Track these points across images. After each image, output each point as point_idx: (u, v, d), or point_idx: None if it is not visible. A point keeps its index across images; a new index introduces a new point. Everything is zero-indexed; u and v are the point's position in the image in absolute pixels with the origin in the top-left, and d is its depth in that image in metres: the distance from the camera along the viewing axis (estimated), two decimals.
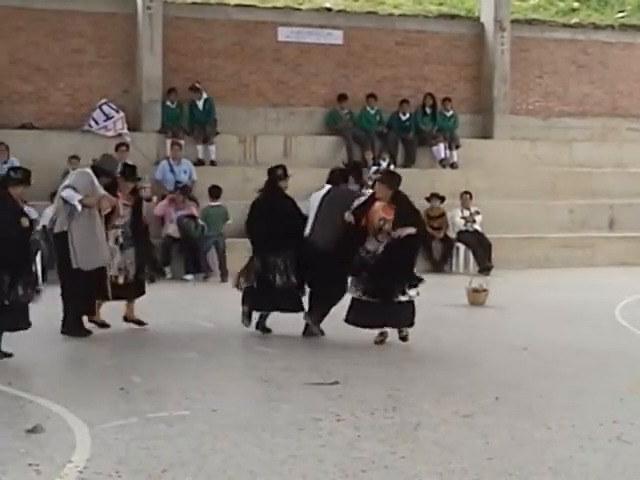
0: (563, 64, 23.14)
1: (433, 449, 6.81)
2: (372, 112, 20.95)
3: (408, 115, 21.11)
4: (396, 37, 21.94)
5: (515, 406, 8.13)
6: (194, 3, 20.84)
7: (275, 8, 21.57)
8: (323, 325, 11.17)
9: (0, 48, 19.18)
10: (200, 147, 19.57)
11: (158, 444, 6.81)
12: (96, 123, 19.20)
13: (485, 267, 17.74)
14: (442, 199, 18.46)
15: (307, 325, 11.23)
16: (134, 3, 19.85)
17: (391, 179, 11.00)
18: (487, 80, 22.26)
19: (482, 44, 22.36)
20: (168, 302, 13.64)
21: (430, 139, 21.04)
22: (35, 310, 9.98)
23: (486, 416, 7.71)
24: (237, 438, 6.99)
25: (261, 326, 11.45)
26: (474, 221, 18.59)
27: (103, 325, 11.45)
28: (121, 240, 11.39)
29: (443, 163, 20.98)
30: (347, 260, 10.62)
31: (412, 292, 10.57)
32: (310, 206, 11.46)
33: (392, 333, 10.78)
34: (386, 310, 10.51)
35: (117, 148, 17.76)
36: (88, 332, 11.02)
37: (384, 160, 19.73)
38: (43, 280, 12.78)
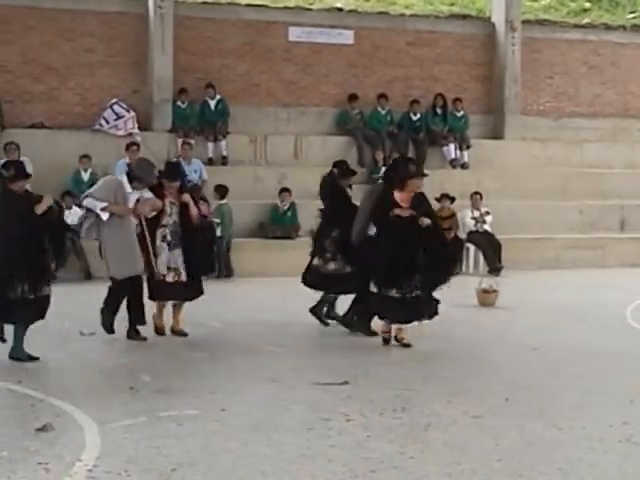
0: (574, 65, 23.10)
1: (443, 450, 6.80)
2: (383, 112, 20.94)
3: (419, 115, 21.09)
4: (407, 37, 21.92)
5: (525, 407, 8.11)
6: (205, 3, 20.86)
7: (286, 8, 21.59)
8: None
9: (11, 48, 19.22)
10: (211, 145, 19.58)
11: (168, 443, 6.81)
12: (107, 122, 19.23)
13: (495, 268, 17.72)
14: (452, 199, 18.42)
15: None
16: (145, 3, 19.88)
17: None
18: (498, 80, 22.23)
19: (493, 44, 22.33)
20: None
21: (441, 139, 21.03)
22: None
23: (496, 417, 7.70)
24: (247, 438, 7.00)
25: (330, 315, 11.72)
26: (484, 222, 18.56)
27: (181, 334, 11.20)
28: (169, 238, 11.09)
29: (454, 163, 20.96)
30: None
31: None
32: None
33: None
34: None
35: (128, 148, 17.81)
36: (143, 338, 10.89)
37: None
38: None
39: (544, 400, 8.38)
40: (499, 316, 13.32)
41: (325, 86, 21.24)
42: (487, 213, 18.63)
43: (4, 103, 18.76)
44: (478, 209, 18.64)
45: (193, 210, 11.23)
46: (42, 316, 9.81)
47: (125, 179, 10.93)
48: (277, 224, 18.21)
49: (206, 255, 11.70)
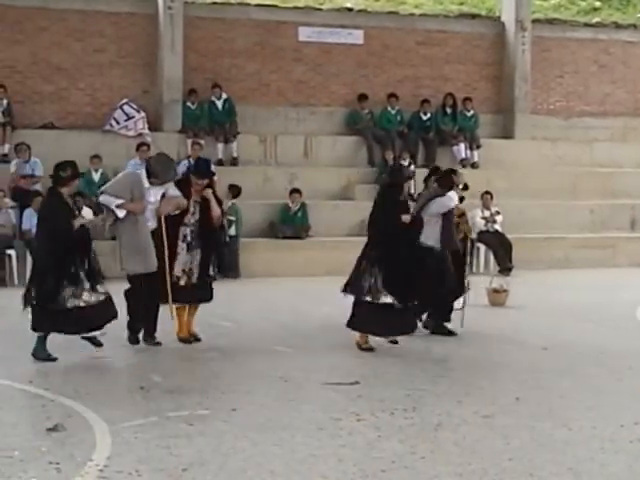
0: (584, 64, 23.06)
1: (453, 449, 6.80)
2: (393, 112, 20.93)
3: (429, 115, 21.08)
4: (417, 37, 21.91)
5: (536, 406, 8.11)
6: (215, 3, 20.87)
7: (296, 8, 21.60)
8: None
9: (22, 48, 19.27)
10: (220, 146, 19.59)
11: (178, 443, 6.83)
12: (117, 123, 19.26)
13: (505, 267, 17.69)
14: (462, 199, 18.37)
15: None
16: (155, 3, 19.91)
17: None
18: (508, 80, 22.20)
19: (503, 44, 22.31)
20: None
21: (451, 139, 21.01)
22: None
23: (506, 416, 7.70)
24: (257, 437, 7.00)
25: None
26: (494, 221, 18.54)
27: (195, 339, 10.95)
28: (189, 239, 10.66)
29: (464, 163, 20.91)
30: None
31: None
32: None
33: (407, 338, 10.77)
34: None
35: (138, 148, 17.86)
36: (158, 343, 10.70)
37: (404, 160, 19.68)
38: None
39: (554, 400, 8.38)
40: (509, 316, 13.30)
41: (335, 86, 21.25)
42: (497, 213, 18.61)
43: (14, 104, 18.79)
44: (488, 209, 18.61)
45: (215, 211, 10.79)
46: (91, 327, 9.92)
47: (144, 173, 10.58)
48: (287, 224, 18.22)
49: (220, 257, 11.22)
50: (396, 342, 10.74)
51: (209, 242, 10.76)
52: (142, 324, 10.60)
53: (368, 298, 10.32)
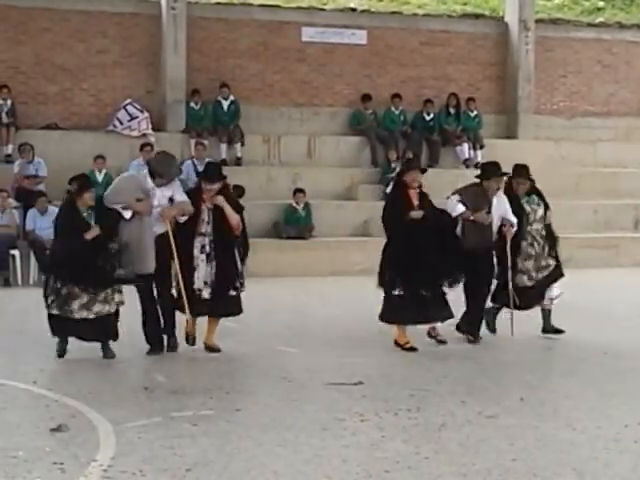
0: (588, 64, 23.06)
1: (457, 450, 6.79)
2: (396, 112, 20.93)
3: (432, 115, 21.09)
4: (420, 37, 21.92)
5: (540, 407, 8.10)
6: (218, 3, 20.90)
7: (299, 8, 21.61)
8: (346, 322, 11.17)
9: (25, 49, 19.30)
10: (224, 147, 19.59)
11: (182, 443, 6.82)
12: (121, 123, 19.29)
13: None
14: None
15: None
16: (158, 4, 19.93)
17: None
18: (511, 80, 22.20)
19: (506, 44, 22.31)
20: None
21: (454, 139, 21.01)
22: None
23: (511, 417, 7.69)
24: (261, 438, 7.00)
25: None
26: None
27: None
28: (207, 249, 10.12)
29: (467, 163, 20.92)
30: None
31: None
32: None
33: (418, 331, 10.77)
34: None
35: (142, 148, 17.89)
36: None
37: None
38: None
39: (559, 400, 8.37)
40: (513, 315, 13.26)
41: (338, 86, 21.26)
42: None
43: (18, 104, 18.81)
44: None
45: (233, 218, 10.20)
46: (107, 336, 9.97)
47: (147, 175, 10.27)
48: (291, 224, 18.22)
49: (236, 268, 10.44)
50: (445, 342, 10.77)
51: (226, 252, 10.19)
52: (161, 331, 10.34)
53: (395, 292, 10.39)
